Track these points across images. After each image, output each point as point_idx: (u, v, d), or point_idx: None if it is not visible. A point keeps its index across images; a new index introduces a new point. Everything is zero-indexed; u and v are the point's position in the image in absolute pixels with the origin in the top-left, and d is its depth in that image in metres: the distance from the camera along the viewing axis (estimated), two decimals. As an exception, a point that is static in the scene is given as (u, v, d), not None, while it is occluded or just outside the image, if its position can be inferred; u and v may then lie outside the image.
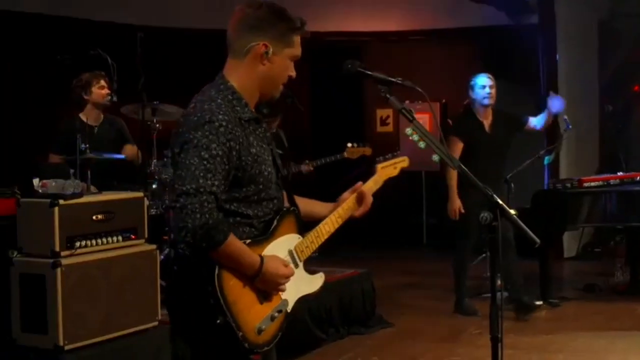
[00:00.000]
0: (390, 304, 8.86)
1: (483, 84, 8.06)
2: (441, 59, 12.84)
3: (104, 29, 10.58)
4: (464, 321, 8.13)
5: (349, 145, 9.39)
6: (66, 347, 5.48)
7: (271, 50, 3.42)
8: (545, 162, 9.58)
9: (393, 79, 3.47)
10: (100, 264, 5.74)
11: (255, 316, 3.36)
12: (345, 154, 9.38)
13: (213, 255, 3.21)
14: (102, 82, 7.36)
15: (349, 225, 3.88)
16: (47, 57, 9.08)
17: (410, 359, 7.05)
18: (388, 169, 4.46)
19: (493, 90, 8.08)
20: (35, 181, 5.90)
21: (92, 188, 6.11)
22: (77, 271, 5.59)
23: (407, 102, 11.39)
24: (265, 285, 3.38)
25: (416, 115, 3.52)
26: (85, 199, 5.77)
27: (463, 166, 3.42)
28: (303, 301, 3.67)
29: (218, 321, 3.24)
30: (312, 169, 9.49)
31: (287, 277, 3.45)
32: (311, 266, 3.72)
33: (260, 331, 3.36)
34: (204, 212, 3.13)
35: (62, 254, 5.54)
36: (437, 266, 10.57)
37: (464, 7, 12.37)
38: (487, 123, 8.19)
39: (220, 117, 3.26)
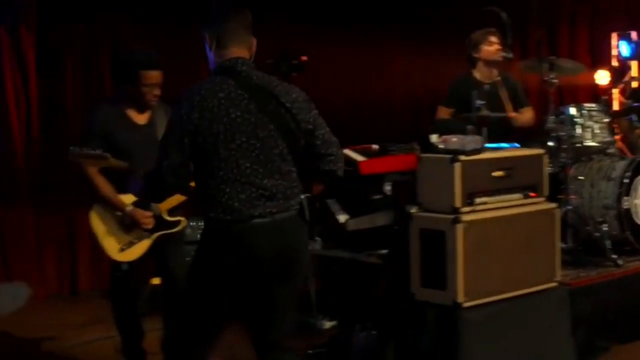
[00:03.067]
0: None
1: None
2: None
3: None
4: None
5: None
6: (464, 304, 5.46)
7: None
8: None
9: None
10: (500, 221, 5.65)
11: None
12: None
13: None
14: (492, 39, 7.26)
15: None
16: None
17: None
18: None
19: None
20: (433, 137, 5.91)
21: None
22: (477, 228, 5.53)
23: None
24: None
25: None
26: (485, 155, 5.69)
27: None
28: None
29: None
30: None
31: None
32: None
33: None
34: None
35: (462, 210, 5.50)
36: None
37: None
38: None
39: None
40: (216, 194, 3.93)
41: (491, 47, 7.26)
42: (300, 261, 4.11)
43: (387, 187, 6.88)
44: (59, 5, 8.21)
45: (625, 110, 8.35)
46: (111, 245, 5.67)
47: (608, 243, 6.67)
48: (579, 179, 6.98)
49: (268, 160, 3.93)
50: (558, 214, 6.00)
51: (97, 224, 5.72)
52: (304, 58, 7.14)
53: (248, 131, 3.90)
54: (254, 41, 4.19)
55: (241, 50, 4.10)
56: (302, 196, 4.07)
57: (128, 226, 5.68)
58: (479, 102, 6.39)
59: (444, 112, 7.32)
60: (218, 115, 3.88)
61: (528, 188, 5.86)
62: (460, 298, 5.45)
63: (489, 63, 7.29)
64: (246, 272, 3.98)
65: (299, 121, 4.01)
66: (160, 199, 5.57)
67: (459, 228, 5.43)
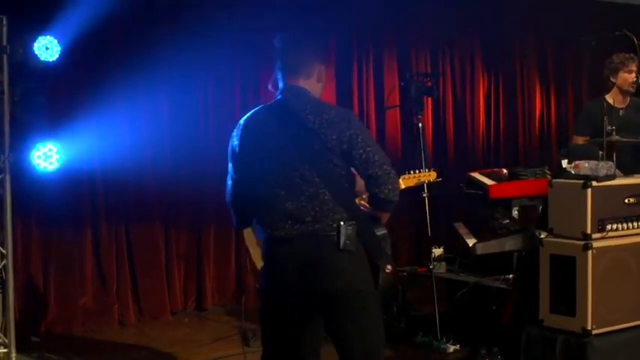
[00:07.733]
0: None
1: None
2: None
3: (628, 10, 10.31)
4: None
5: None
6: (594, 331, 5.43)
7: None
8: None
9: None
10: (632, 248, 5.62)
11: None
12: None
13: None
14: (632, 67, 7.07)
15: None
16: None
17: None
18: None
19: None
20: (564, 162, 5.87)
21: (617, 172, 5.94)
22: (608, 254, 5.51)
23: None
24: None
25: None
26: (617, 182, 5.66)
27: None
28: None
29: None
30: None
31: None
32: None
33: None
34: None
35: (594, 236, 5.47)
36: None
37: None
38: None
39: None
40: (255, 216, 4.12)
41: (630, 75, 7.06)
42: (328, 284, 3.91)
43: (515, 212, 6.86)
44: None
45: None
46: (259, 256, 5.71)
47: None
48: None
49: (289, 183, 3.93)
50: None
51: (250, 234, 5.79)
52: (430, 84, 7.21)
53: (271, 156, 3.97)
54: (317, 68, 4.14)
55: (298, 79, 4.10)
56: (344, 222, 3.88)
57: None
58: (610, 128, 6.28)
59: (578, 139, 7.12)
60: (249, 143, 4.07)
61: (665, 216, 5.75)
62: (590, 325, 5.42)
63: (623, 91, 7.11)
64: (284, 290, 4.01)
65: (327, 141, 3.88)
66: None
67: (590, 254, 5.41)
